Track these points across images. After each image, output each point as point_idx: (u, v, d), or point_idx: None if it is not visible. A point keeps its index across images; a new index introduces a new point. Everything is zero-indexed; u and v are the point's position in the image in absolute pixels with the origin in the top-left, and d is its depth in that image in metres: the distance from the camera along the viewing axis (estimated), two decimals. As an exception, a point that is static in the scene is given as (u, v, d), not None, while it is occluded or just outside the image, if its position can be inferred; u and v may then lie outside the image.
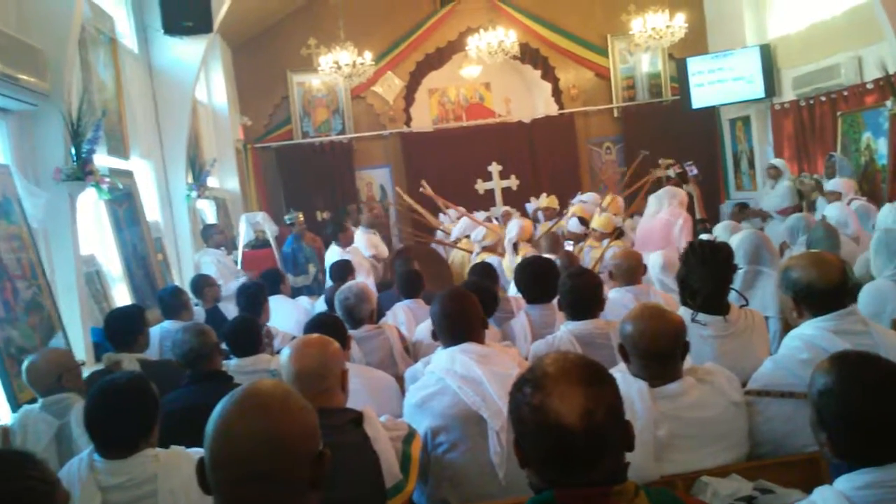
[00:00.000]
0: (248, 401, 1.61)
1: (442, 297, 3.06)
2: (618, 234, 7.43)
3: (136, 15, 7.99)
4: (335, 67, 10.33)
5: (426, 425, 2.82)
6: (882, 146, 9.12)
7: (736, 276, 3.97)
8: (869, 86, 9.19)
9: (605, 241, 7.28)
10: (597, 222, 7.58)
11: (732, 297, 3.40)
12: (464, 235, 8.14)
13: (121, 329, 4.24)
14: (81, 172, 5.03)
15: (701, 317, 3.26)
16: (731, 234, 5.37)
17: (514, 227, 7.38)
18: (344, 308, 4.30)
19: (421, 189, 9.80)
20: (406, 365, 3.99)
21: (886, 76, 8.57)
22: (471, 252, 7.73)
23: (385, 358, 4.18)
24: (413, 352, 4.35)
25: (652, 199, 7.56)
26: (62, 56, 5.01)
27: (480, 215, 9.52)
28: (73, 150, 5.05)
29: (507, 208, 10.16)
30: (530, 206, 10.19)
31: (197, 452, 2.17)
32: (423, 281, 5.41)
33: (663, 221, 7.10)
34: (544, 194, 10.08)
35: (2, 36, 4.33)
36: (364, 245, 8.68)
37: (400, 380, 3.67)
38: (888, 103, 8.62)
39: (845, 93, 9.67)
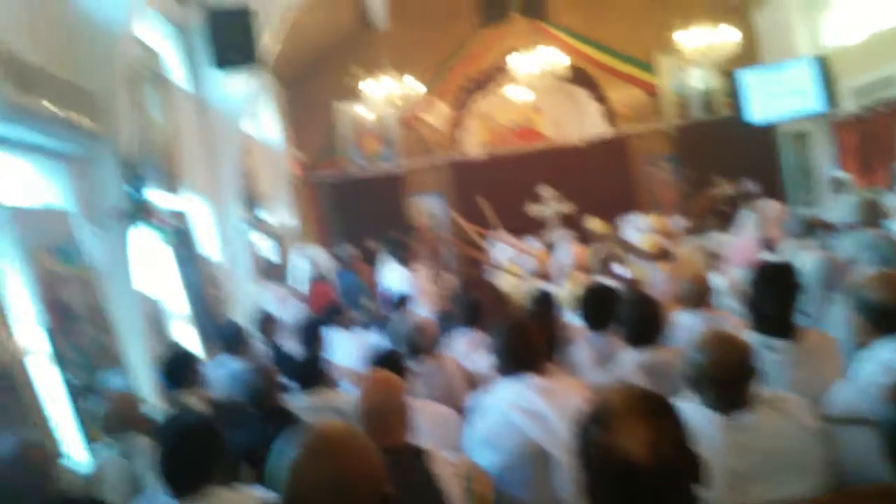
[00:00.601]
0: (314, 443, 1.65)
1: (502, 329, 3.03)
2: (666, 255, 7.32)
3: (186, 52, 8.15)
4: (383, 97, 10.42)
5: (492, 462, 2.78)
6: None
7: (806, 299, 3.87)
8: (933, 93, 8.92)
9: (653, 263, 7.14)
10: (644, 243, 7.46)
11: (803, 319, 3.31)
12: (510, 261, 8.12)
13: (175, 368, 4.30)
14: (139, 212, 5.12)
15: (771, 341, 3.16)
16: (796, 253, 5.23)
17: (567, 253, 7.31)
18: (404, 340, 4.29)
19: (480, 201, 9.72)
20: (467, 397, 3.95)
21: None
22: (519, 277, 7.67)
23: (446, 390, 4.15)
24: (474, 383, 4.31)
25: (743, 214, 7.40)
26: (113, 97, 5.10)
27: (532, 241, 9.48)
28: (129, 191, 5.14)
29: (565, 232, 10.05)
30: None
31: (262, 492, 2.18)
32: (482, 310, 5.36)
33: (753, 239, 6.94)
34: (594, 218, 9.96)
35: (54, 80, 4.44)
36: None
37: (461, 412, 3.64)
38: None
39: (908, 102, 9.40)
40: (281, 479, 1.57)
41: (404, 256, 8.05)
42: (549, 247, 9.04)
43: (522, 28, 12.35)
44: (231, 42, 7.84)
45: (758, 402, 2.51)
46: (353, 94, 11.92)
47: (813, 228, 7.88)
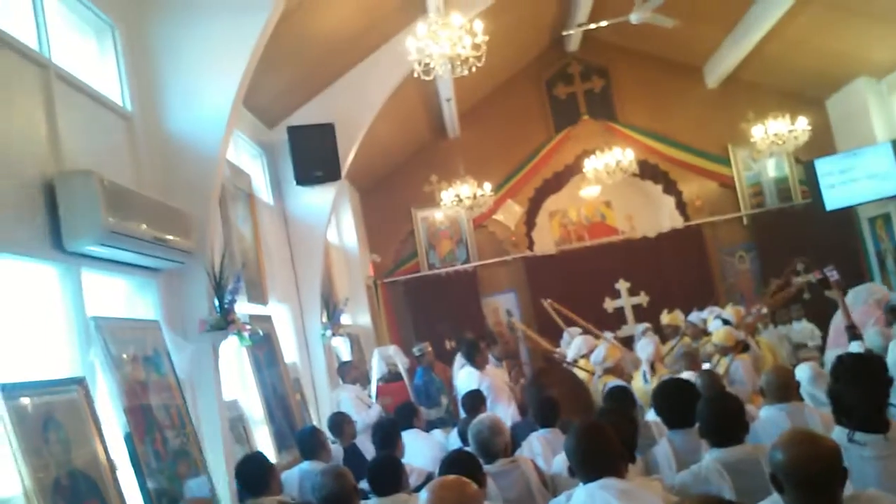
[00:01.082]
0: None
1: (576, 431, 2.99)
2: (742, 347, 7.10)
3: (271, 169, 8.58)
4: (457, 200, 10.66)
5: (571, 566, 2.71)
6: None
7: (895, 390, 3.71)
8: None
9: (729, 356, 6.94)
10: (717, 337, 7.26)
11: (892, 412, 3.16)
12: (580, 356, 7.99)
13: (252, 475, 4.33)
14: (224, 322, 5.29)
15: (859, 436, 3.03)
16: (883, 341, 5.04)
17: (649, 346, 7.18)
18: (477, 442, 4.24)
19: (546, 303, 9.71)
20: (545, 500, 3.86)
21: None
22: (591, 373, 7.53)
23: (523, 493, 4.06)
24: (552, 486, 4.21)
25: (851, 294, 7.20)
26: (205, 216, 5.38)
27: (609, 335, 9.33)
28: (216, 302, 5.35)
29: (647, 325, 9.89)
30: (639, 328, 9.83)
31: None
32: (559, 408, 5.28)
33: (856, 321, 6.69)
34: (665, 311, 9.81)
35: (153, 204, 4.72)
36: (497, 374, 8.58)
37: (540, 516, 3.56)
38: None
39: None
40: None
41: (479, 355, 7.99)
42: (624, 341, 8.90)
43: (593, 129, 12.58)
44: (312, 158, 8.25)
45: (848, 503, 2.39)
46: (429, 200, 12.24)
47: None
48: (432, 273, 12.65)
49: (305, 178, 8.36)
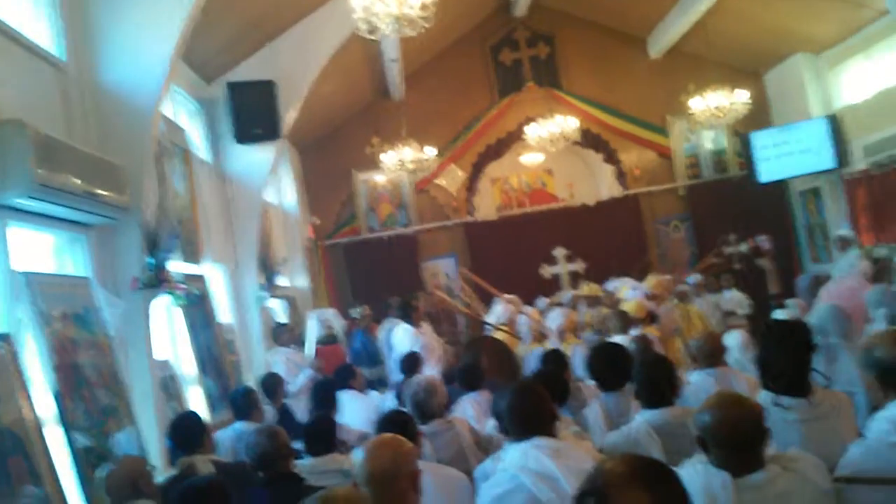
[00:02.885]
0: None
1: (509, 392, 3.01)
2: (650, 318, 7.34)
3: (209, 126, 8.38)
4: (399, 164, 10.59)
5: (501, 525, 2.74)
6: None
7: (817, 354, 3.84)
8: (943, 150, 8.95)
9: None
10: (628, 308, 7.47)
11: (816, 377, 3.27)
12: (501, 322, 8.13)
13: (185, 433, 4.29)
14: (157, 281, 5.20)
15: (783, 400, 3.13)
16: (800, 311, 5.19)
17: (559, 316, 7.34)
18: (413, 402, 4.27)
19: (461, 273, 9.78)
20: (478, 460, 3.91)
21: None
22: (516, 338, 7.72)
23: (456, 453, 4.11)
24: (485, 446, 4.27)
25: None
26: (140, 171, 5.25)
27: (543, 302, 9.48)
28: (149, 260, 5.24)
29: (574, 292, 10.08)
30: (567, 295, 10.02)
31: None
32: (483, 372, 5.36)
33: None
34: (585, 282, 9.98)
35: (84, 156, 4.57)
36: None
37: (472, 476, 3.59)
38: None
39: (919, 158, 9.44)
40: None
41: (415, 312, 8.06)
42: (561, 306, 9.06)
43: (537, 96, 12.59)
44: (252, 116, 8.08)
45: (770, 463, 2.47)
46: (370, 162, 12.15)
47: (821, 285, 7.87)
48: (372, 236, 12.60)
49: (245, 135, 8.20)
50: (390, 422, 3.59)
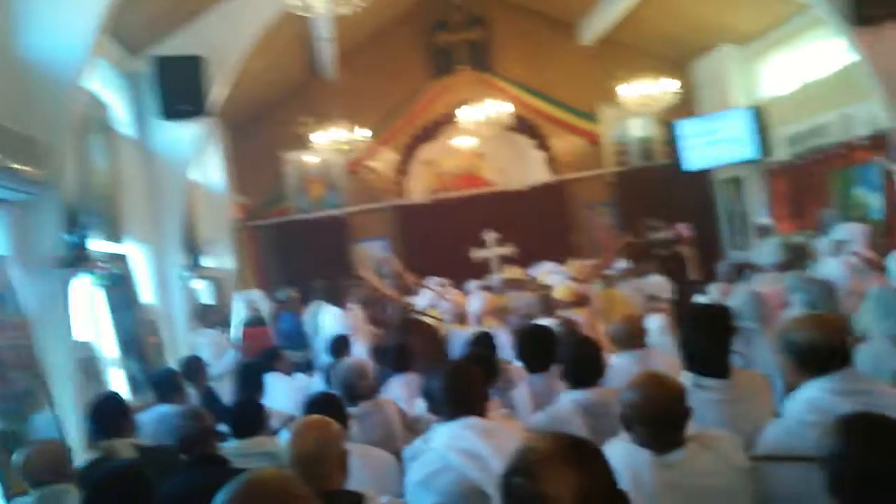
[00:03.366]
0: (249, 491, 1.64)
1: (442, 371, 3.03)
2: (582, 301, 7.49)
3: (134, 101, 8.12)
4: (330, 144, 10.48)
5: (429, 503, 2.76)
6: (875, 201, 9.20)
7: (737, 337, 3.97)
8: (860, 142, 9.31)
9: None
10: (559, 293, 7.61)
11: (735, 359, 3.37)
12: (430, 306, 8.19)
13: (105, 415, 4.18)
14: (76, 259, 5.04)
15: (704, 381, 3.22)
16: (722, 295, 5.35)
17: (477, 299, 7.42)
18: (342, 384, 4.25)
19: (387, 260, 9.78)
20: (407, 441, 3.92)
21: (877, 132, 8.69)
22: (440, 321, 7.79)
23: (385, 435, 4.11)
24: (414, 427, 4.28)
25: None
26: (60, 145, 5.08)
27: (473, 285, 9.54)
28: (69, 238, 5.07)
29: (503, 276, 10.17)
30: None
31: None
32: (413, 354, 5.38)
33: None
34: (507, 265, 10.10)
35: (2, 130, 4.39)
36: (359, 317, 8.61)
37: (400, 456, 3.60)
38: (880, 159, 8.73)
39: (836, 150, 9.80)
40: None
41: (340, 299, 8.04)
42: (490, 290, 9.14)
43: (470, 80, 12.61)
44: (180, 92, 7.85)
45: (690, 441, 2.54)
46: (300, 142, 11.99)
47: (742, 271, 8.17)
48: (302, 218, 12.45)
49: (171, 112, 7.96)
50: (318, 403, 3.57)
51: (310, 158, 12.35)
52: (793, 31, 10.43)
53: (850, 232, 8.10)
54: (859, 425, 1.85)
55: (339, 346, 6.40)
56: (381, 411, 4.21)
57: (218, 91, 8.29)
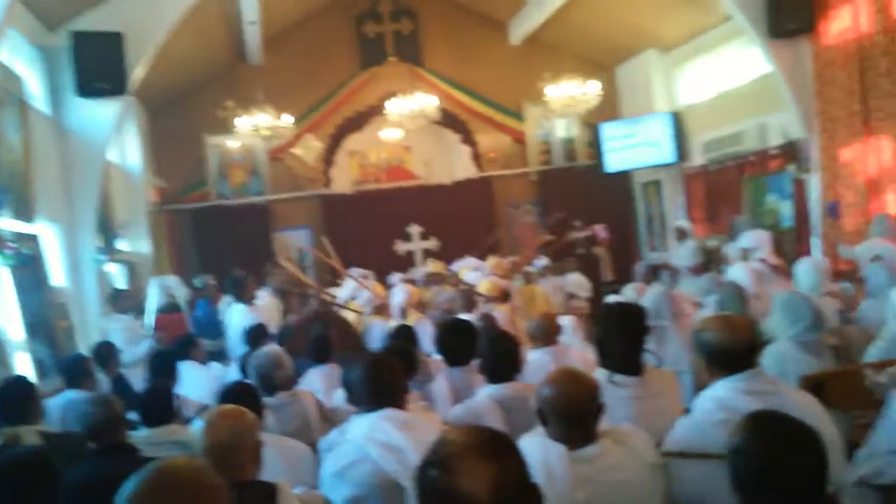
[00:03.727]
0: (159, 480, 1.60)
1: (362, 363, 3.02)
2: (504, 297, 7.60)
3: (49, 76, 7.81)
4: (253, 129, 10.29)
5: (344, 495, 2.76)
6: (786, 208, 9.57)
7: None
8: (772, 151, 9.66)
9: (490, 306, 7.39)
10: (482, 287, 7.71)
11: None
12: (351, 298, 8.17)
13: (10, 400, 4.02)
14: (-17, 237, 4.82)
15: (617, 378, 3.29)
16: (637, 295, 5.49)
17: (400, 292, 7.44)
18: (258, 375, 4.20)
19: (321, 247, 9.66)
20: (323, 433, 3.89)
21: (788, 142, 9.03)
22: (360, 313, 7.78)
23: (301, 426, 4.07)
24: (331, 419, 4.26)
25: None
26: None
27: (396, 278, 9.54)
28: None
29: (428, 270, 10.22)
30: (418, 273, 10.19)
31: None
32: (333, 346, 5.34)
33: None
34: (430, 260, 10.17)
35: None
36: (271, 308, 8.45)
37: (316, 448, 3.58)
38: (791, 168, 9.08)
39: (751, 158, 10.16)
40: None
41: (244, 291, 7.87)
42: (413, 283, 9.16)
43: (399, 71, 12.56)
44: (98, 69, 7.59)
45: (604, 437, 2.59)
46: (223, 126, 11.74)
47: (657, 272, 8.42)
48: (222, 204, 12.20)
49: (88, 89, 7.71)
50: (233, 393, 3.52)
51: (232, 144, 12.10)
52: (714, 41, 10.73)
53: (756, 239, 8.44)
54: (763, 424, 1.92)
55: (256, 335, 6.29)
56: (297, 402, 4.17)
57: (138, 70, 8.04)
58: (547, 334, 4.74)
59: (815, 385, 3.70)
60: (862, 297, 6.22)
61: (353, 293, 8.16)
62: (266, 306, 8.17)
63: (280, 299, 8.73)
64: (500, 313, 7.13)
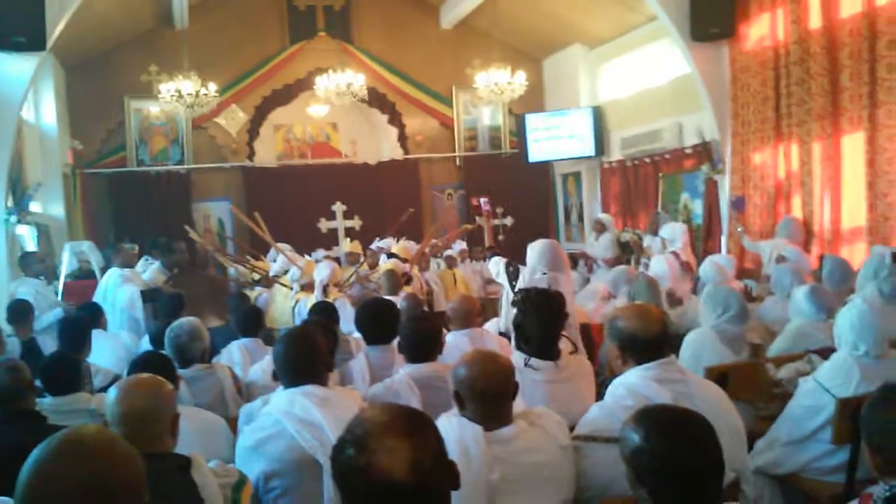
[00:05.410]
0: (68, 447, 1.53)
1: (286, 338, 3.01)
2: (406, 280, 7.68)
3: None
4: (177, 96, 10.02)
5: (259, 469, 2.74)
6: (698, 207, 9.91)
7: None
8: (688, 150, 9.97)
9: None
10: (385, 268, 7.79)
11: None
12: (283, 272, 8.12)
13: None
14: None
15: (534, 361, 3.38)
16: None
17: (325, 269, 7.43)
18: (175, 346, 4.14)
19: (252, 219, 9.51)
20: (238, 406, 3.87)
21: (703, 142, 9.34)
22: (291, 288, 7.75)
23: (216, 399, 4.04)
24: (246, 393, 4.24)
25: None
26: None
27: (320, 254, 9.48)
28: None
29: (350, 249, 10.18)
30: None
31: (6, 502, 2.03)
32: (263, 319, 5.29)
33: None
34: (348, 239, 10.17)
35: None
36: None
37: (231, 422, 3.56)
38: (704, 167, 9.40)
39: (667, 156, 10.46)
40: (28, 485, 1.44)
41: (114, 258, 7.67)
42: (338, 260, 9.12)
43: (330, 47, 12.40)
44: (14, 22, 7.27)
45: (519, 418, 2.65)
46: (145, 90, 11.39)
47: (576, 262, 8.61)
48: (141, 170, 11.86)
49: (5, 42, 7.37)
50: (147, 363, 3.46)
51: (154, 109, 11.75)
52: (638, 40, 10.97)
53: (671, 231, 8.74)
54: (655, 419, 1.99)
55: (174, 306, 6.18)
56: (213, 375, 4.13)
57: (57, 24, 7.72)
58: (465, 316, 4.78)
59: (718, 376, 3.89)
60: (765, 295, 6.54)
61: (284, 268, 8.07)
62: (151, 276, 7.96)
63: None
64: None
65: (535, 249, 5.57)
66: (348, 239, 10.23)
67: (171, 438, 2.50)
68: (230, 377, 4.21)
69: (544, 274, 5.43)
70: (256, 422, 2.92)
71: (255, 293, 7.99)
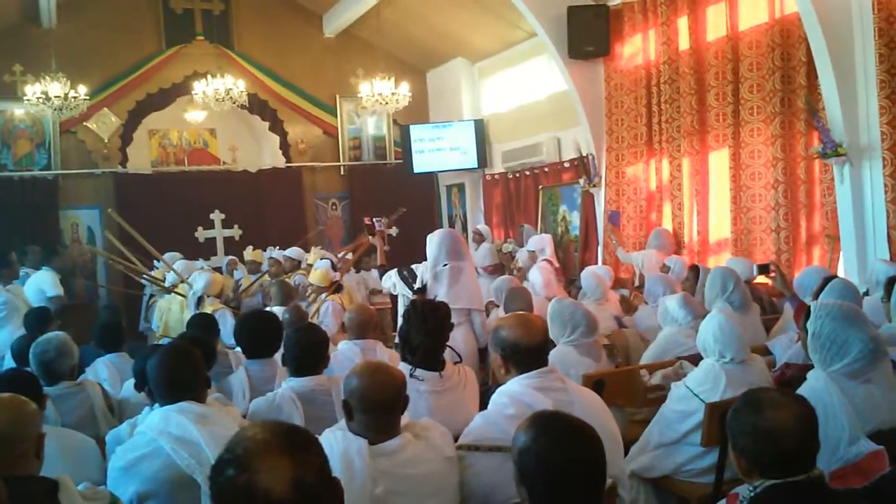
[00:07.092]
0: None
1: (161, 352, 2.90)
2: (336, 288, 7.59)
3: None
4: (43, 98, 9.51)
5: (132, 490, 2.63)
6: (576, 219, 10.23)
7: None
8: (566, 164, 10.28)
9: (324, 295, 7.38)
10: (313, 277, 7.67)
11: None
12: (180, 281, 7.86)
13: None
14: None
15: (419, 372, 3.39)
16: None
17: (201, 279, 7.24)
18: (40, 363, 3.92)
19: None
20: (110, 425, 3.70)
21: (580, 157, 9.65)
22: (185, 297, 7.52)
23: (85, 418, 3.86)
24: (118, 411, 4.05)
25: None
26: None
27: (199, 264, 9.21)
28: None
29: (232, 257, 9.95)
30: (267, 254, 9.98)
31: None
32: (124, 333, 5.08)
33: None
34: (250, 247, 9.98)
35: None
36: (50, 283, 7.87)
37: (102, 442, 3.40)
38: (581, 181, 9.72)
39: (546, 169, 10.75)
40: None
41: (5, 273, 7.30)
42: (220, 270, 8.88)
43: (208, 52, 12.07)
44: None
45: (404, 430, 2.64)
46: (8, 91, 10.77)
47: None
48: (4, 176, 11.17)
49: None
50: (10, 380, 3.27)
51: (18, 111, 11.10)
52: (518, 56, 11.22)
53: (539, 241, 8.99)
54: (540, 422, 2.03)
55: (41, 320, 5.83)
56: (83, 392, 3.94)
57: None
58: (360, 326, 4.74)
59: (595, 383, 4.01)
60: (638, 303, 6.81)
61: (181, 277, 7.80)
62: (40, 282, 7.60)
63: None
64: (333, 304, 7.09)
65: (433, 241, 5.61)
66: (251, 247, 9.99)
67: (35, 461, 2.38)
68: (101, 394, 4.03)
69: (446, 265, 5.46)
70: (130, 441, 2.81)
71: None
